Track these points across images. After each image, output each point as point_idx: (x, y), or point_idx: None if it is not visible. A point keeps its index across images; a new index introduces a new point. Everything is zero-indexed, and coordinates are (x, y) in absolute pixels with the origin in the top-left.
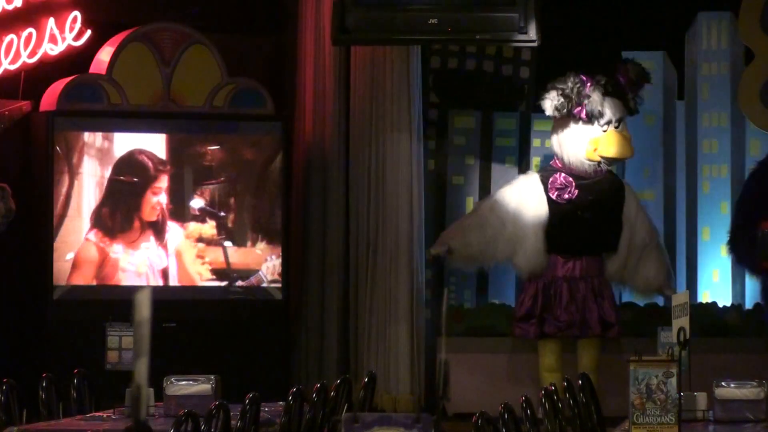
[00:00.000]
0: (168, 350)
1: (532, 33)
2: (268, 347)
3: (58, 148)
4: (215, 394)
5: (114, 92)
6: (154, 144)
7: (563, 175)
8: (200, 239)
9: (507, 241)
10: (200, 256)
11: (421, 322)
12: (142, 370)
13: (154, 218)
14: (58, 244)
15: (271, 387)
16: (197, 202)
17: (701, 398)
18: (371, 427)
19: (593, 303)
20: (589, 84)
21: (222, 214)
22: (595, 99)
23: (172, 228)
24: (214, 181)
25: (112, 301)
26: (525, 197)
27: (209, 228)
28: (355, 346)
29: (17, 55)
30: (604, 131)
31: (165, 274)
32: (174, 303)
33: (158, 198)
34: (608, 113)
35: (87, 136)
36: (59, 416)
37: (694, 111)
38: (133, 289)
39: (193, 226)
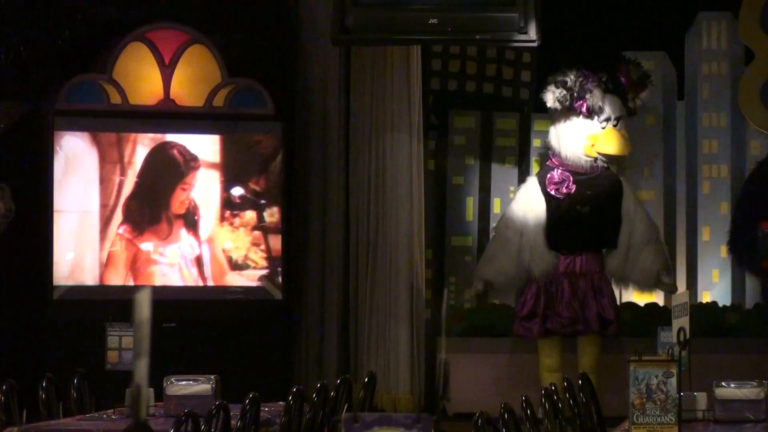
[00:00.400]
0: (168, 350)
1: (532, 33)
2: (268, 347)
3: (90, 140)
4: (215, 394)
5: (114, 92)
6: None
7: (560, 170)
8: (256, 227)
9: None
10: (255, 244)
11: (421, 322)
12: (142, 370)
13: (183, 211)
14: (108, 233)
15: (271, 387)
16: (238, 190)
17: (701, 398)
18: (371, 427)
19: (592, 299)
20: (590, 79)
21: (263, 201)
22: (596, 94)
23: (205, 216)
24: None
25: (112, 301)
26: (528, 203)
27: (256, 216)
28: (355, 346)
29: (17, 55)
30: (603, 128)
31: (199, 262)
32: (174, 303)
33: (188, 193)
34: (608, 110)
35: None
36: (59, 416)
37: (694, 111)
38: (134, 290)
39: (250, 215)
